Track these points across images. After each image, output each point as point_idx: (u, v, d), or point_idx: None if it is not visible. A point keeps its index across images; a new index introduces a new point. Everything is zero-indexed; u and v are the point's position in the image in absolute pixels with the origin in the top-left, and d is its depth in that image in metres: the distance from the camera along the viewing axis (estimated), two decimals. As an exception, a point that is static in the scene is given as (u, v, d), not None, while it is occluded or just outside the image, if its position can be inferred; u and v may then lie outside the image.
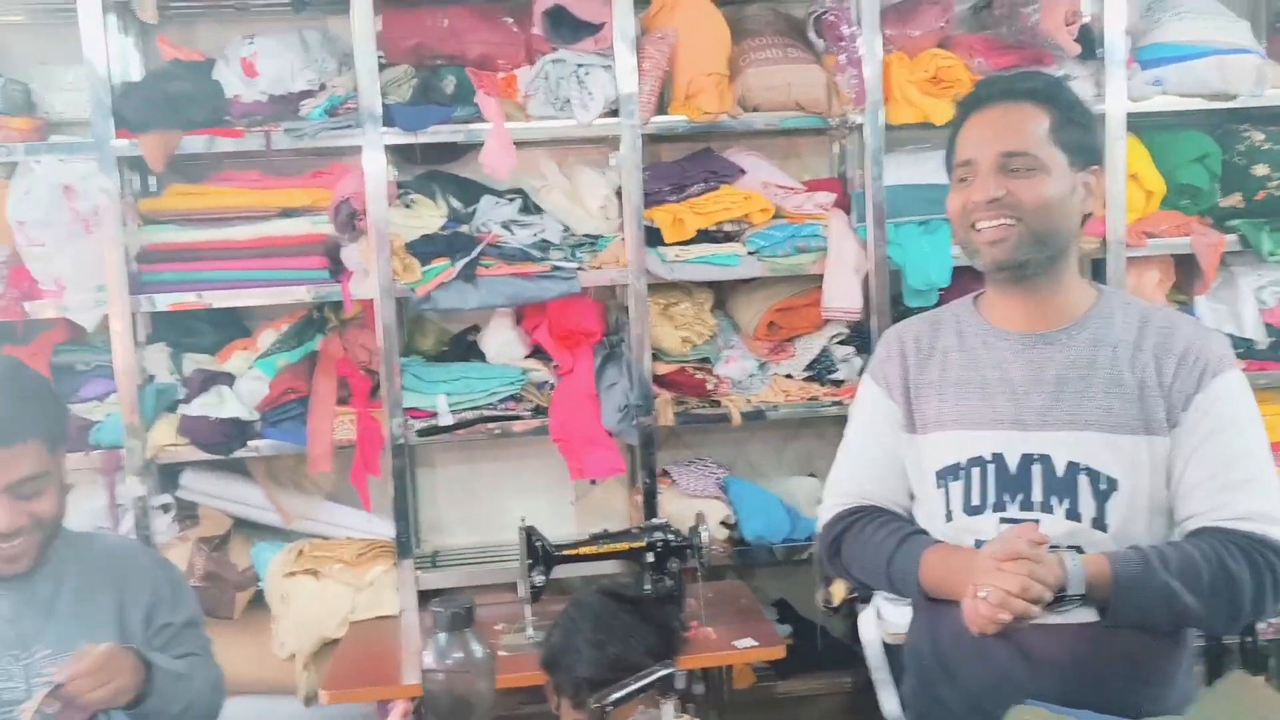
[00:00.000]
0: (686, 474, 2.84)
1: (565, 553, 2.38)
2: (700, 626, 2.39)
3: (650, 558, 2.40)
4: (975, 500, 1.52)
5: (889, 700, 2.32)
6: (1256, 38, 2.77)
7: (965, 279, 2.71)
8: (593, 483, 2.82)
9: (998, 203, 1.47)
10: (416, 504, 2.97)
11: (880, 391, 1.65)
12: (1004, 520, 1.49)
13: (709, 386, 2.74)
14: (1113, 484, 1.45)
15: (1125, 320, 1.52)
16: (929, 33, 2.64)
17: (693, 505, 2.66)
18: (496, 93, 2.60)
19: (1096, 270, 2.80)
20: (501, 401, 2.68)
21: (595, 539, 2.42)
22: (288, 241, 2.63)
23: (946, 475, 1.55)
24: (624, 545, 2.40)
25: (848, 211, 2.76)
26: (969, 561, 1.43)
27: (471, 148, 2.64)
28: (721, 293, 2.91)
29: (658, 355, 2.73)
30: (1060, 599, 1.36)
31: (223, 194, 2.66)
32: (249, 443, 2.62)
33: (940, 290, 2.65)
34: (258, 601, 2.70)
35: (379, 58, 2.57)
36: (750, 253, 2.67)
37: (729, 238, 2.70)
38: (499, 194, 2.74)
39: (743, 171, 2.73)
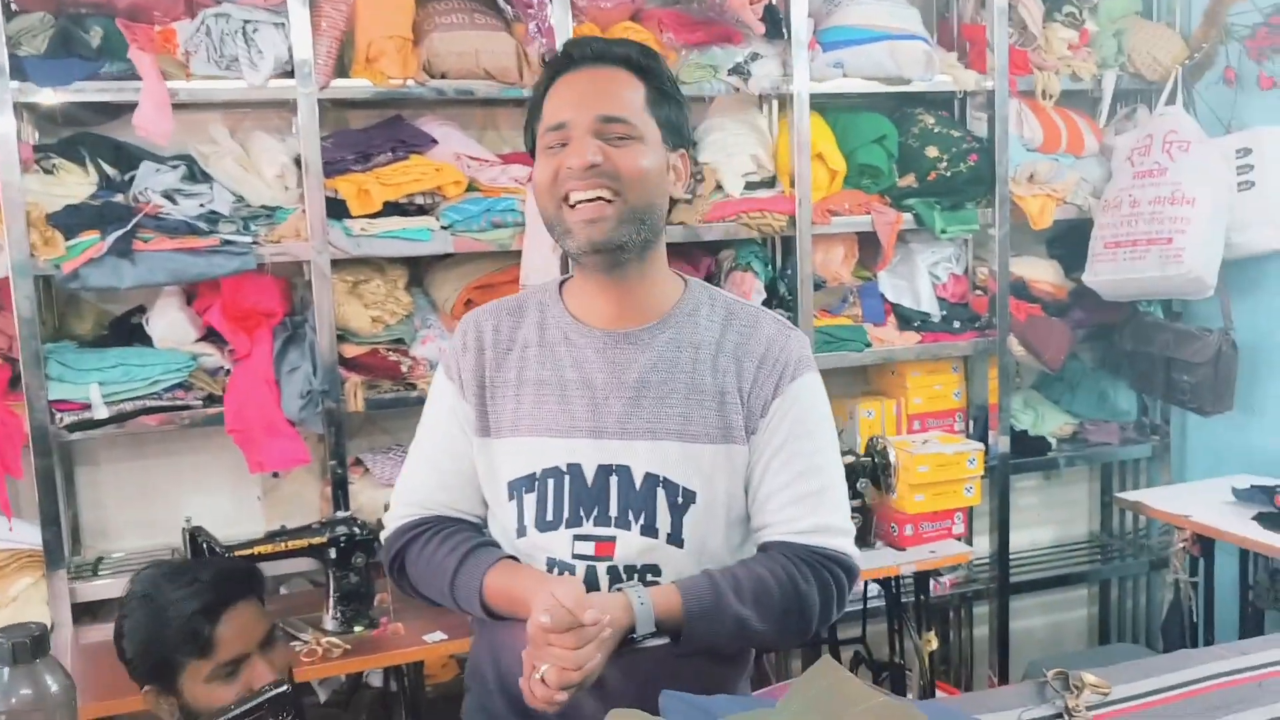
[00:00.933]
0: (383, 461, 2.69)
1: (238, 554, 2.19)
2: (389, 623, 2.27)
3: (333, 554, 2.25)
4: (549, 515, 1.40)
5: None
6: (926, 26, 2.92)
7: (660, 255, 2.72)
8: (275, 475, 2.63)
9: (595, 169, 1.34)
10: (76, 506, 2.67)
11: (453, 389, 1.49)
12: (578, 537, 1.39)
13: (404, 369, 2.61)
14: (690, 496, 1.39)
15: (710, 317, 1.46)
16: (619, 5, 2.60)
17: (388, 495, 2.51)
18: (152, 48, 2.34)
19: (787, 248, 2.88)
20: (167, 390, 2.43)
21: (271, 537, 2.24)
22: (-100, 211, 2.28)
23: (520, 486, 1.43)
24: (303, 542, 2.23)
25: (546, 186, 2.69)
26: (535, 583, 1.34)
27: (130, 108, 2.37)
28: (418, 270, 2.77)
29: (346, 336, 2.56)
30: (630, 639, 1.31)
31: None
32: None
33: (636, 267, 2.63)
34: (-126, 628, 2.34)
35: (8, 3, 2.27)
36: (444, 227, 2.55)
37: (421, 211, 2.57)
38: (162, 160, 2.48)
39: (434, 141, 2.60)
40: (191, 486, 2.76)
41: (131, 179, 2.44)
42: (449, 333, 2.67)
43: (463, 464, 1.48)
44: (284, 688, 1.04)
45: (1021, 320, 3.08)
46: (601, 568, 1.39)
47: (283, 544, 2.23)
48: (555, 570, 1.40)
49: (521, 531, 1.43)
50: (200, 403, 2.46)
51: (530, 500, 1.42)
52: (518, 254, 2.60)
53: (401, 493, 1.54)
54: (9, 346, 2.39)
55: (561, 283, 1.52)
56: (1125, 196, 2.98)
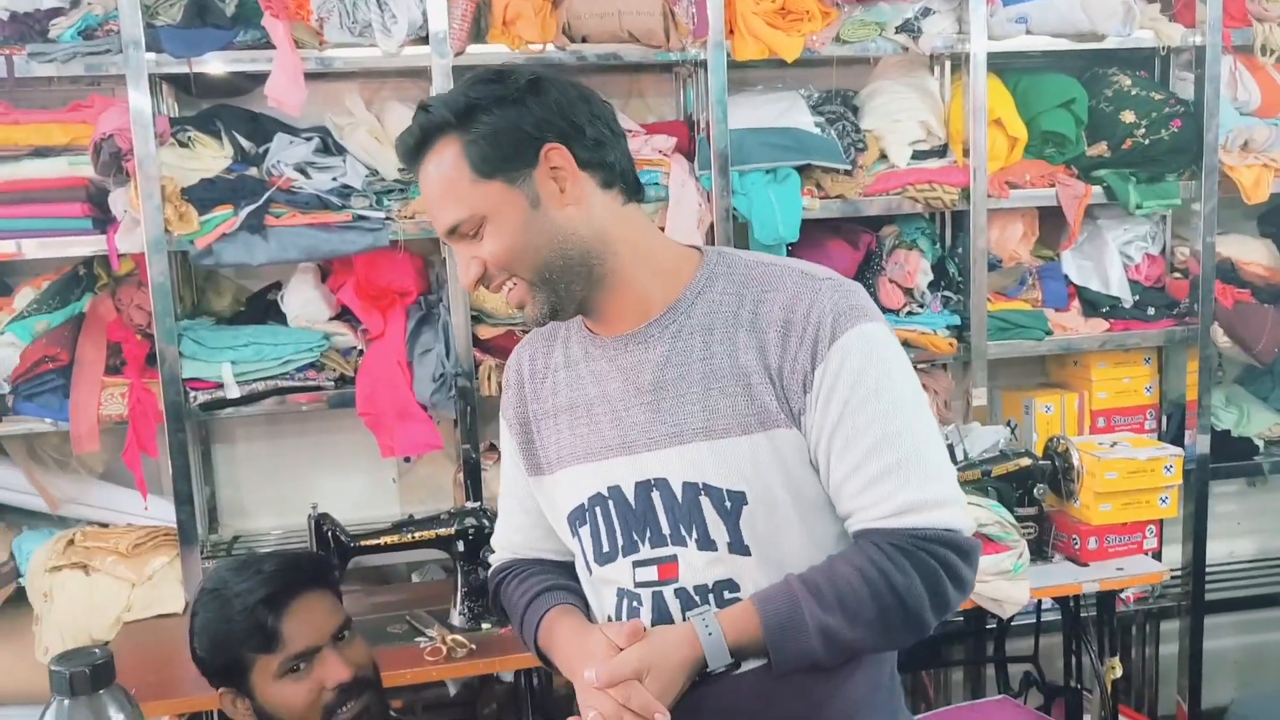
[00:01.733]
0: (518, 447, 2.57)
1: (363, 544, 2.10)
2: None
3: (461, 546, 2.13)
4: (605, 546, 1.28)
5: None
6: (1126, -27, 2.59)
7: (815, 232, 2.50)
8: (407, 460, 2.54)
9: (481, 281, 1.24)
10: (214, 484, 2.65)
11: (504, 426, 1.40)
12: (637, 564, 1.25)
13: (540, 351, 2.47)
14: (739, 498, 1.21)
15: (725, 290, 1.25)
16: (776, -43, 2.38)
17: (522, 482, 2.40)
18: (286, 15, 2.26)
19: (958, 223, 2.62)
20: (299, 370, 2.36)
21: (398, 527, 2.14)
22: (43, 185, 2.28)
23: (575, 520, 1.31)
24: (430, 533, 2.13)
25: (693, 158, 2.50)
26: (568, 637, 1.27)
27: (266, 79, 2.30)
28: (557, 246, 2.63)
29: (480, 317, 2.44)
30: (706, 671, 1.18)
31: (-40, 129, 2.27)
32: None
33: (789, 245, 2.42)
34: (20, 599, 2.37)
35: (146, -28, 2.22)
36: (583, 202, 2.40)
37: (560, 185, 2.42)
38: (296, 132, 2.41)
39: (575, 111, 2.44)
40: (327, 467, 2.70)
41: (266, 151, 2.37)
42: (588, 314, 2.52)
43: (528, 503, 1.40)
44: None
45: (1228, 307, 2.73)
46: (668, 591, 1.24)
47: (409, 535, 2.13)
48: (624, 601, 1.28)
49: (588, 568, 1.32)
50: (332, 384, 2.39)
51: (586, 534, 1.30)
52: (660, 230, 2.43)
53: (494, 536, 1.50)
54: (147, 323, 2.36)
55: None
56: (1360, 166, 2.59)
